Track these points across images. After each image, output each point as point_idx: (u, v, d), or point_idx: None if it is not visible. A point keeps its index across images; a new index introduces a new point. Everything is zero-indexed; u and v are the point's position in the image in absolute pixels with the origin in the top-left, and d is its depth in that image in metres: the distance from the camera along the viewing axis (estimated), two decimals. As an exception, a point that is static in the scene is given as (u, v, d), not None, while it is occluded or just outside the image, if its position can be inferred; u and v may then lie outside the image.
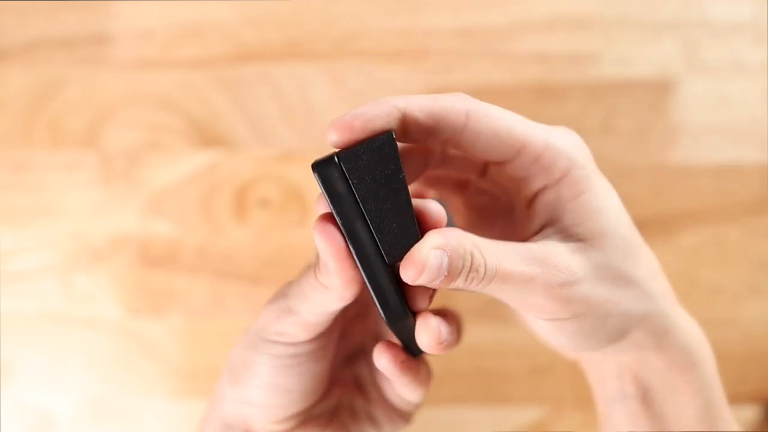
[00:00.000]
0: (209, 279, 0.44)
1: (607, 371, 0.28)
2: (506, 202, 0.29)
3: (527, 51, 0.44)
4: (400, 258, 0.23)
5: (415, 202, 0.24)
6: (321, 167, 0.22)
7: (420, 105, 0.23)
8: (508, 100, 0.44)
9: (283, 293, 0.26)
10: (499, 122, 0.24)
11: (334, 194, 0.22)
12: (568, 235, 0.25)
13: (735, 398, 0.42)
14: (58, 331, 0.44)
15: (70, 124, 0.45)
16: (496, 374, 0.42)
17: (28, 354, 0.44)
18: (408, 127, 0.23)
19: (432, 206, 0.23)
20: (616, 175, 0.43)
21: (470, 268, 0.23)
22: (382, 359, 0.26)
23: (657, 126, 0.43)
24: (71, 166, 0.45)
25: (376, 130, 0.22)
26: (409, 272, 0.22)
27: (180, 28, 0.45)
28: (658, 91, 0.43)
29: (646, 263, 0.26)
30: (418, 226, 0.23)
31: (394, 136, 0.22)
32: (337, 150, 0.23)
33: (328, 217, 0.23)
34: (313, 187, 0.43)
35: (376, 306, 0.24)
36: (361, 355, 0.31)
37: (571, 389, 0.42)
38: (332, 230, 0.23)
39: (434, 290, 0.25)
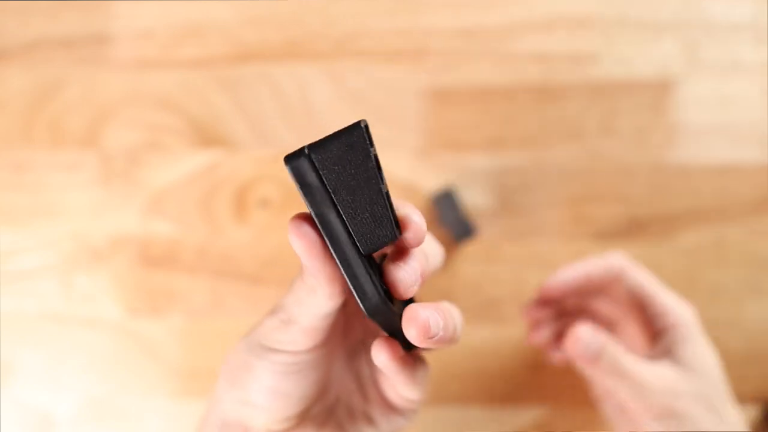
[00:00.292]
0: (209, 279, 0.44)
1: None
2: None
3: (527, 51, 0.44)
4: (375, 248, 0.23)
5: (401, 208, 0.24)
6: (291, 160, 0.22)
7: (633, 292, 0.37)
8: (508, 100, 0.44)
9: (281, 305, 0.26)
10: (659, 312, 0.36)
11: (305, 186, 0.22)
12: (679, 363, 0.35)
13: (735, 398, 0.42)
14: (58, 331, 0.44)
15: (70, 124, 0.45)
16: (496, 374, 0.42)
17: (28, 354, 0.44)
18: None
19: (415, 218, 0.24)
20: (616, 175, 0.43)
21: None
22: (380, 356, 0.26)
23: (657, 126, 0.43)
24: (71, 166, 0.45)
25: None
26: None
27: (180, 28, 0.45)
28: (658, 91, 0.43)
29: (729, 399, 0.35)
30: (392, 218, 0.23)
31: (365, 126, 0.22)
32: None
33: (302, 217, 0.23)
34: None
35: (355, 299, 0.24)
36: (362, 351, 0.31)
37: (571, 389, 0.42)
38: (306, 228, 0.23)
39: (418, 276, 0.25)
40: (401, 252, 0.25)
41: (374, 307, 0.24)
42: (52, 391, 0.43)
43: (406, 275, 0.24)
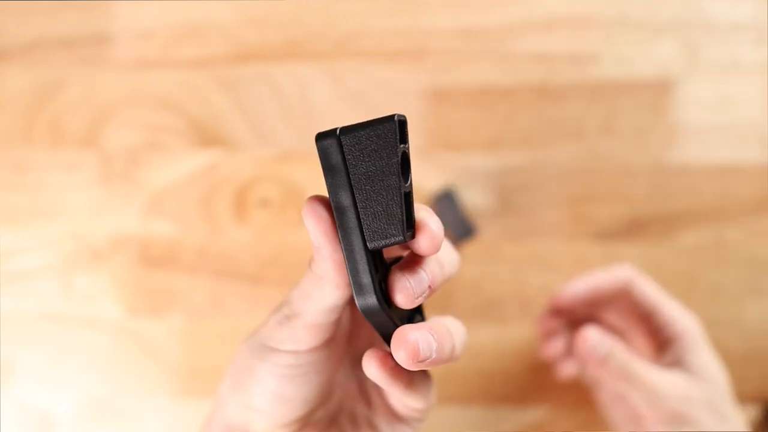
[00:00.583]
0: (209, 279, 0.44)
1: None
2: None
3: (527, 51, 0.44)
4: (382, 244, 0.22)
5: (421, 210, 0.23)
6: (322, 138, 0.22)
7: (639, 304, 0.38)
8: (508, 100, 0.44)
9: (285, 300, 0.26)
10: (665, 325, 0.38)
11: (329, 166, 0.22)
12: (688, 371, 0.36)
13: (735, 398, 0.42)
14: (58, 331, 0.44)
15: (70, 124, 0.45)
16: (497, 374, 0.42)
17: (28, 354, 0.44)
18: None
19: (432, 225, 0.23)
20: (616, 175, 0.43)
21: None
22: (371, 367, 0.25)
23: (657, 126, 0.43)
24: (71, 166, 0.45)
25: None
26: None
27: (180, 28, 0.45)
28: (658, 91, 0.43)
29: (734, 413, 0.36)
30: (404, 217, 0.22)
31: (399, 122, 0.22)
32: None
33: (318, 198, 0.23)
34: (312, 186, 0.43)
35: (352, 292, 0.23)
36: None
37: (571, 389, 0.42)
38: (321, 209, 0.23)
39: (425, 289, 0.24)
40: (413, 259, 0.24)
41: (369, 306, 0.23)
42: (52, 391, 0.43)
43: (409, 285, 0.23)
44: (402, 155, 0.22)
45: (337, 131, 0.22)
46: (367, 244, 0.23)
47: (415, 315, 0.27)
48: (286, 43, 0.45)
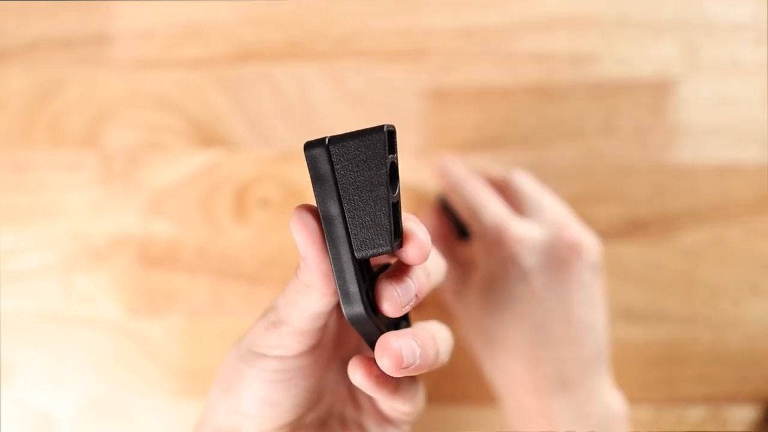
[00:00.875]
0: (209, 279, 0.44)
1: None
2: None
3: (527, 51, 0.44)
4: (369, 253, 0.23)
5: (408, 220, 0.24)
6: (310, 147, 0.22)
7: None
8: (508, 100, 0.44)
9: (271, 307, 0.26)
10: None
11: (317, 175, 0.23)
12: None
13: (735, 398, 0.42)
14: (58, 331, 0.44)
15: (70, 124, 0.45)
16: (496, 374, 0.42)
17: (28, 354, 0.44)
18: None
19: (420, 235, 0.23)
20: (616, 175, 0.43)
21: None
22: (356, 375, 0.25)
23: (657, 126, 0.43)
24: (71, 166, 0.45)
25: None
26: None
27: (180, 28, 0.45)
28: (658, 91, 0.43)
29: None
30: (392, 227, 0.23)
31: (387, 132, 0.22)
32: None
33: (306, 207, 0.23)
34: (312, 186, 0.43)
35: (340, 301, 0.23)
36: None
37: (571, 389, 0.42)
38: (308, 219, 0.23)
39: (411, 298, 0.24)
40: (400, 268, 0.24)
41: (355, 314, 0.23)
42: (52, 391, 0.43)
43: (396, 295, 0.23)
44: (390, 165, 0.22)
45: (326, 141, 0.22)
46: (355, 253, 0.23)
47: (401, 322, 0.27)
48: (286, 43, 0.45)
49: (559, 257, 0.34)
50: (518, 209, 0.37)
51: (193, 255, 0.44)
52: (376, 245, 0.23)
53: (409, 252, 0.23)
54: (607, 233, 0.43)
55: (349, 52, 0.44)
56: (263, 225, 0.44)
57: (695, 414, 0.42)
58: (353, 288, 0.23)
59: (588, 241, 0.35)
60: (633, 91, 0.43)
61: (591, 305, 0.35)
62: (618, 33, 0.44)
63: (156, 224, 0.44)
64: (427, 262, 0.25)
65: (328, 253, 0.23)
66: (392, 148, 0.23)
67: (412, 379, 0.27)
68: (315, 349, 0.26)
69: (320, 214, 0.23)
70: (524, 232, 0.35)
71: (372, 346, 0.25)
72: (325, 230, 0.23)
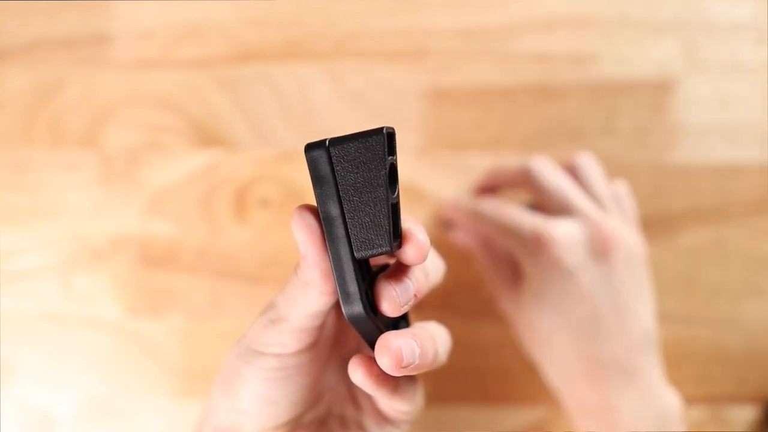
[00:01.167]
0: (209, 279, 0.44)
1: None
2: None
3: (527, 51, 0.44)
4: (368, 254, 0.23)
5: (408, 221, 0.24)
6: (311, 149, 0.23)
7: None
8: (508, 100, 0.44)
9: (271, 304, 0.26)
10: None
11: (318, 177, 0.23)
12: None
13: (735, 398, 0.42)
14: (58, 331, 0.44)
15: (70, 124, 0.45)
16: (496, 374, 0.42)
17: (28, 354, 0.44)
18: None
19: (419, 236, 0.24)
20: (616, 175, 0.43)
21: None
22: (357, 374, 0.25)
23: (657, 126, 0.43)
24: (71, 166, 0.45)
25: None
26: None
27: (180, 28, 0.45)
28: (658, 91, 0.43)
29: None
30: (391, 228, 0.23)
31: (387, 134, 0.22)
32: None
33: (307, 207, 0.24)
34: (312, 186, 0.43)
35: (339, 301, 0.24)
36: None
37: (571, 389, 0.42)
38: (309, 219, 0.23)
39: (410, 297, 0.24)
40: (399, 268, 0.25)
41: (355, 314, 0.23)
42: (52, 391, 0.43)
43: (395, 294, 0.24)
44: (390, 167, 0.23)
45: (327, 142, 0.23)
46: (355, 253, 0.23)
47: (400, 321, 0.28)
48: (286, 43, 0.45)
49: (600, 250, 0.35)
50: (546, 204, 0.37)
51: (193, 255, 0.44)
52: (375, 246, 0.23)
53: (408, 252, 0.23)
54: (607, 233, 0.43)
55: (349, 52, 0.44)
56: (263, 225, 0.44)
57: (695, 414, 0.42)
58: (353, 288, 0.23)
59: (623, 230, 0.36)
60: (633, 91, 0.43)
61: (636, 293, 0.35)
62: (618, 33, 0.44)
63: (156, 224, 0.44)
64: (425, 262, 0.25)
65: (327, 253, 0.23)
66: (391, 149, 0.23)
67: (411, 379, 0.28)
68: (313, 347, 0.26)
69: (320, 214, 0.23)
70: (563, 234, 0.35)
71: (371, 346, 0.25)
72: (325, 230, 0.23)
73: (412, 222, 0.24)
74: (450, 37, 0.44)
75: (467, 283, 0.43)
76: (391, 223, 0.23)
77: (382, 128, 0.22)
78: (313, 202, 0.24)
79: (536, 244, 0.35)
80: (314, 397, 0.28)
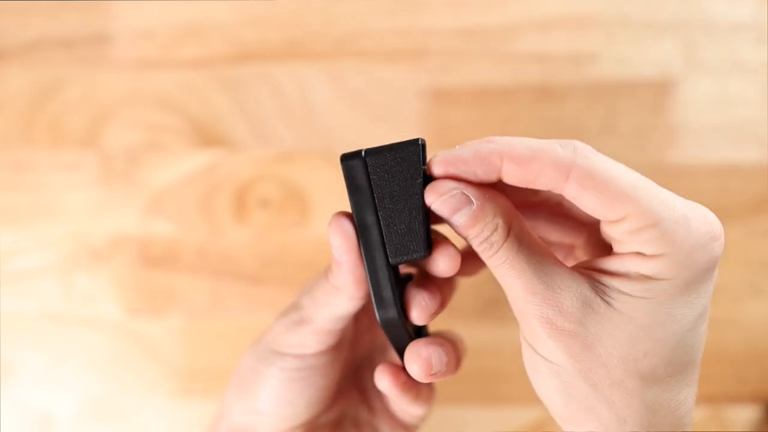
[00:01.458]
0: (209, 279, 0.44)
1: None
2: None
3: (527, 51, 0.44)
4: (403, 260, 0.24)
5: (440, 235, 0.25)
6: (348, 159, 0.24)
7: (519, 155, 0.22)
8: (508, 100, 0.44)
9: (294, 306, 0.27)
10: (604, 186, 0.21)
11: (354, 186, 0.24)
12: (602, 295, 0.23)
13: (735, 398, 0.42)
14: (58, 331, 0.44)
15: (70, 124, 0.45)
16: (496, 374, 0.42)
17: (28, 354, 0.44)
18: (506, 180, 0.23)
19: (451, 246, 0.24)
20: (616, 175, 0.43)
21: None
22: (384, 381, 0.27)
23: (657, 126, 0.43)
24: (71, 166, 0.45)
25: (474, 178, 0.23)
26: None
27: (180, 28, 0.45)
28: (658, 91, 0.43)
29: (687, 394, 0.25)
30: (425, 236, 0.24)
31: (422, 144, 0.24)
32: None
33: (343, 214, 0.24)
34: (312, 186, 0.43)
35: (373, 305, 0.24)
36: (368, 365, 0.32)
37: (571, 389, 0.42)
38: (347, 225, 0.24)
39: (438, 307, 0.25)
40: (429, 277, 0.25)
41: (389, 319, 0.24)
42: (52, 391, 0.43)
43: (425, 303, 0.25)
44: (423, 174, 0.24)
45: (363, 153, 0.24)
46: (390, 259, 0.24)
47: (423, 328, 0.28)
48: (286, 43, 0.45)
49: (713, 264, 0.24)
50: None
51: (193, 255, 0.44)
52: (410, 251, 0.24)
53: (441, 263, 0.24)
54: (607, 233, 0.43)
55: (349, 52, 0.44)
56: (263, 225, 0.44)
57: (695, 414, 0.42)
58: (387, 293, 0.24)
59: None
60: (633, 91, 0.43)
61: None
62: (618, 33, 0.44)
63: (156, 224, 0.44)
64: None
65: (362, 259, 0.24)
66: (424, 160, 0.24)
67: (430, 385, 0.29)
68: (333, 349, 0.27)
69: (356, 222, 0.24)
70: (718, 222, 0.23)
71: (399, 351, 0.26)
72: (360, 237, 0.24)
73: (442, 235, 0.25)
74: (450, 37, 0.44)
75: (468, 283, 0.43)
76: (425, 230, 0.24)
77: (417, 139, 0.24)
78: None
79: (704, 232, 0.22)
80: (330, 398, 0.29)
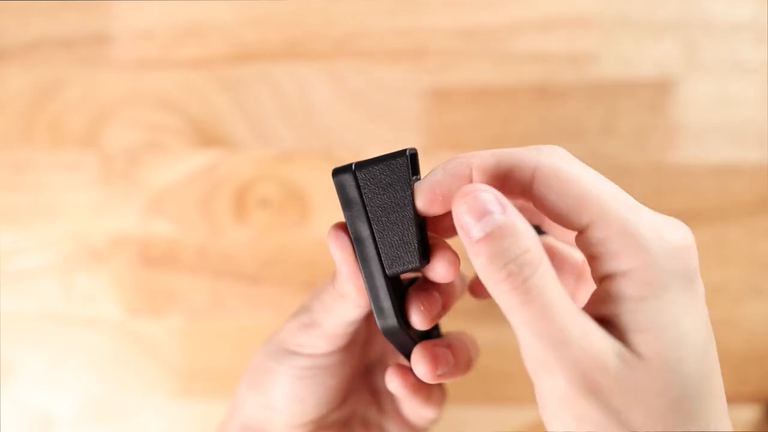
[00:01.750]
0: (209, 279, 0.44)
1: None
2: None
3: (527, 51, 0.44)
4: (398, 270, 0.24)
5: (438, 242, 0.24)
6: (338, 173, 0.24)
7: (485, 162, 0.21)
8: (508, 100, 0.44)
9: (305, 308, 0.27)
10: (567, 185, 0.20)
11: (346, 200, 0.24)
12: (625, 341, 0.20)
13: (735, 398, 0.42)
14: (58, 331, 0.44)
15: (70, 124, 0.45)
16: (496, 374, 0.42)
17: (28, 354, 0.44)
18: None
19: (448, 252, 0.24)
20: (616, 175, 0.43)
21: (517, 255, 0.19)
22: (393, 382, 0.27)
23: (657, 126, 0.43)
24: (71, 166, 0.45)
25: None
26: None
27: (180, 28, 0.45)
28: (658, 91, 0.43)
29: (713, 406, 0.20)
30: (420, 246, 0.24)
31: (410, 155, 0.24)
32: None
33: (341, 226, 0.24)
34: (312, 186, 0.43)
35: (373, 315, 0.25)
36: (380, 366, 0.32)
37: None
38: (344, 237, 0.24)
39: (439, 311, 0.25)
40: (428, 282, 0.25)
41: (389, 327, 0.25)
42: (52, 391, 0.43)
43: (424, 309, 0.25)
44: (413, 186, 0.24)
45: (353, 166, 0.24)
46: (386, 271, 0.24)
47: (432, 330, 0.29)
48: (286, 43, 0.45)
49: (692, 274, 0.23)
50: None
51: (193, 255, 0.44)
52: (405, 262, 0.24)
53: (438, 270, 0.24)
54: (607, 233, 0.43)
55: (349, 52, 0.44)
56: (263, 225, 0.44)
57: (695, 414, 0.42)
58: (386, 304, 0.24)
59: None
60: (633, 91, 0.43)
61: None
62: (618, 33, 0.44)
63: (156, 224, 0.44)
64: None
65: (360, 270, 0.24)
66: (415, 169, 0.24)
67: (441, 388, 0.29)
68: (343, 350, 0.28)
69: (351, 235, 0.24)
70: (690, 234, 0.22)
71: (406, 355, 0.26)
72: (356, 250, 0.24)
73: (441, 239, 0.25)
74: (450, 37, 0.44)
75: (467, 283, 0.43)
76: (419, 240, 0.24)
77: (405, 150, 0.24)
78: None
79: (679, 239, 0.21)
80: (341, 398, 0.29)
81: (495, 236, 0.19)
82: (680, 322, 0.20)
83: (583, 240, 0.21)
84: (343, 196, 0.24)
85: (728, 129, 0.43)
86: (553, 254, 0.27)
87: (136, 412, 0.43)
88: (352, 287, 0.24)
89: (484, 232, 0.19)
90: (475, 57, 0.44)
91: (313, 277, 0.43)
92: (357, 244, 0.24)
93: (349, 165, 0.24)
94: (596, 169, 0.24)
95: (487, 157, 0.21)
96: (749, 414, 0.42)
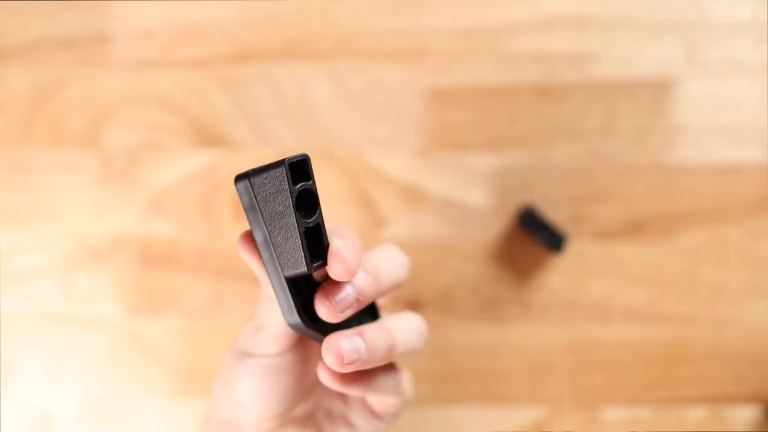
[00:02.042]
0: (209, 279, 0.44)
1: None
2: None
3: (527, 51, 0.44)
4: (291, 274, 0.24)
5: (336, 237, 0.25)
6: (237, 180, 0.24)
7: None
8: (508, 100, 0.44)
9: (252, 314, 0.29)
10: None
11: (246, 206, 0.25)
12: None
13: (735, 398, 0.42)
14: (58, 331, 0.44)
15: (70, 124, 0.45)
16: (496, 374, 0.42)
17: (28, 354, 0.44)
18: None
19: (344, 254, 0.25)
20: (616, 175, 0.43)
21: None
22: (323, 375, 0.27)
23: (657, 126, 0.43)
24: (71, 166, 0.45)
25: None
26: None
27: (180, 28, 0.45)
28: (658, 91, 0.43)
29: None
30: (306, 251, 0.24)
31: (288, 164, 0.23)
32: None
33: (248, 233, 0.26)
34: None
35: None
36: None
37: (571, 389, 0.42)
38: (250, 243, 0.25)
39: (348, 304, 0.26)
40: (334, 281, 0.26)
41: (294, 323, 0.26)
42: (52, 391, 0.43)
43: (327, 303, 0.25)
44: (304, 193, 0.24)
45: (249, 173, 0.24)
46: (284, 273, 0.25)
47: (365, 317, 0.29)
48: (286, 43, 0.45)
49: None
50: None
51: (193, 255, 0.44)
52: (296, 266, 0.24)
53: (335, 270, 0.25)
54: (607, 233, 0.43)
55: (349, 52, 0.44)
56: (263, 225, 0.44)
57: (695, 414, 0.42)
58: (288, 302, 0.25)
59: None
60: (633, 91, 0.43)
61: None
62: (618, 33, 0.44)
63: (156, 224, 0.44)
64: (375, 265, 0.27)
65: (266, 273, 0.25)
66: (304, 176, 0.24)
67: (390, 372, 0.29)
68: (295, 348, 0.28)
69: (255, 239, 0.25)
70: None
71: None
72: (261, 254, 0.25)
73: (340, 240, 0.25)
74: (450, 37, 0.44)
75: (468, 283, 0.43)
76: (306, 247, 0.24)
77: (284, 160, 0.23)
78: (248, 232, 0.26)
79: None
80: (302, 392, 0.30)
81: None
82: None
83: None
84: (242, 202, 0.24)
85: (728, 129, 0.43)
86: None
87: (136, 412, 0.43)
88: (269, 288, 0.26)
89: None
90: (475, 57, 0.44)
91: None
92: (260, 247, 0.25)
93: (248, 171, 0.24)
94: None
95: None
96: (749, 414, 0.42)
